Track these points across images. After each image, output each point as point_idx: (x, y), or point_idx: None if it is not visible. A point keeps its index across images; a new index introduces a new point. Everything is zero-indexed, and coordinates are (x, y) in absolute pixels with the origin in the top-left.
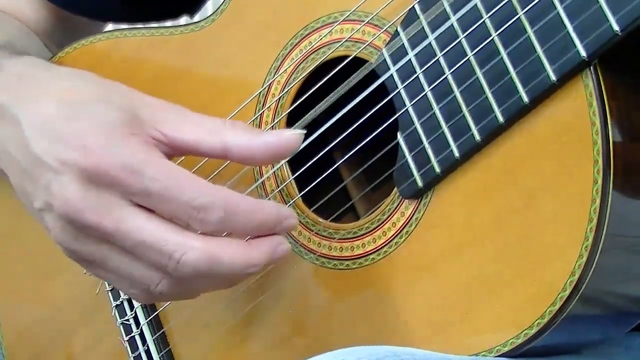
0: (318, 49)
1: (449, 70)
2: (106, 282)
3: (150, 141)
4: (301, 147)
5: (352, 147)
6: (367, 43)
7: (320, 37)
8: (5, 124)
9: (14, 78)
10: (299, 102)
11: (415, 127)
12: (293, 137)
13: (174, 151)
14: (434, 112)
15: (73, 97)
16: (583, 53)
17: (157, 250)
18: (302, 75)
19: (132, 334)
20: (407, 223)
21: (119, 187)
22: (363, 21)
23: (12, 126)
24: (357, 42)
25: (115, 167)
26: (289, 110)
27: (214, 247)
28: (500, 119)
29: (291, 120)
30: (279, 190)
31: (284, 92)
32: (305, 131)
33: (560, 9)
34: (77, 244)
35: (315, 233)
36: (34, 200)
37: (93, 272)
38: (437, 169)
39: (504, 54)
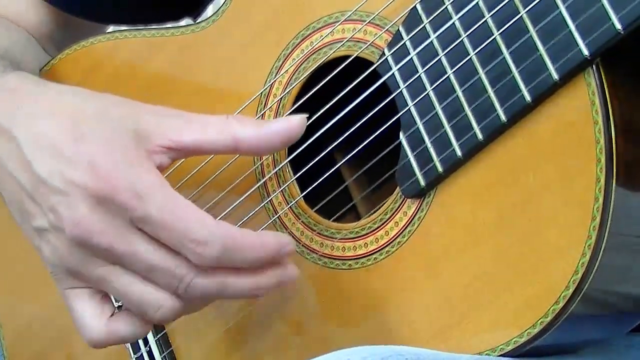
0: (319, 49)
1: (451, 70)
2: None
3: (159, 150)
4: (302, 148)
5: (353, 147)
6: (368, 43)
7: (322, 37)
8: (1, 141)
9: (8, 94)
10: (300, 102)
11: (418, 127)
12: (298, 122)
13: (183, 154)
14: (436, 112)
15: (72, 115)
16: (585, 52)
17: (168, 273)
18: (304, 76)
19: None
20: (410, 222)
21: (124, 210)
22: (364, 21)
23: (9, 143)
24: (358, 42)
25: (121, 191)
26: (290, 111)
27: (223, 271)
28: (503, 118)
29: None
30: (281, 190)
31: (286, 92)
32: (307, 114)
33: (562, 7)
34: (82, 266)
35: (318, 233)
36: (33, 219)
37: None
38: (440, 169)
39: (506, 53)
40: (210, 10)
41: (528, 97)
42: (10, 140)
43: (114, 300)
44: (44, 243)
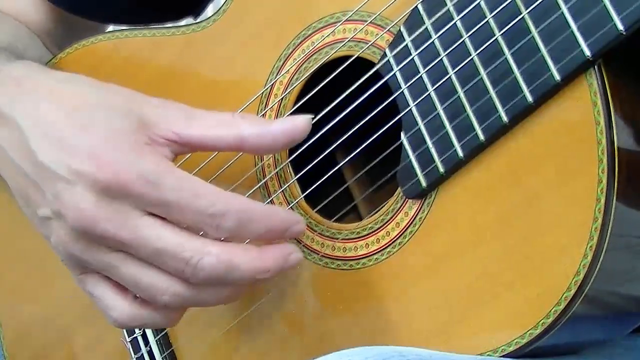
0: (321, 49)
1: (453, 70)
2: None
3: (162, 141)
4: (304, 147)
5: (355, 147)
6: (370, 43)
7: (323, 37)
8: (4, 129)
9: (12, 82)
10: (301, 102)
11: (419, 127)
12: (303, 122)
13: (187, 148)
14: (437, 112)
15: (76, 103)
16: (587, 52)
17: (175, 257)
18: (305, 76)
19: (135, 335)
20: (411, 223)
21: (135, 197)
22: (366, 21)
23: (12, 131)
24: (360, 42)
25: (131, 179)
26: (291, 111)
27: (229, 252)
28: (505, 118)
29: None
30: (282, 190)
31: (287, 92)
32: (312, 115)
33: (564, 8)
34: (87, 254)
35: (319, 233)
36: (38, 207)
37: (81, 284)
38: (441, 169)
39: (507, 53)
40: (210, 9)
41: (530, 98)
42: (14, 128)
43: None
44: (50, 231)
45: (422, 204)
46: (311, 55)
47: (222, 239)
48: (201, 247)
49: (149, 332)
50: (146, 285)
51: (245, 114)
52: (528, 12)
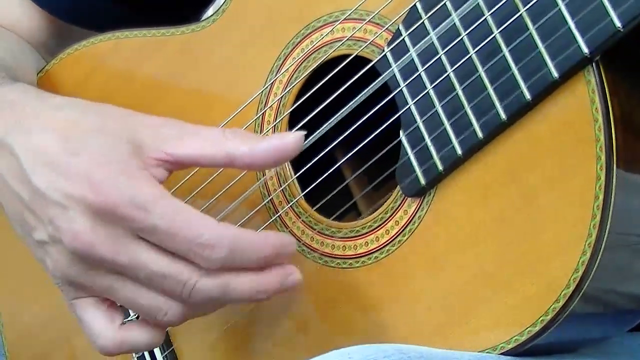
0: (320, 48)
1: (451, 68)
2: None
3: (155, 163)
4: (305, 147)
5: (354, 145)
6: (368, 42)
7: (322, 36)
8: (1, 155)
9: (6, 106)
10: (300, 101)
11: (418, 125)
12: (294, 139)
13: (178, 167)
14: (436, 110)
15: (70, 128)
16: (585, 50)
17: (172, 279)
18: (304, 75)
19: None
20: (410, 221)
21: (127, 222)
22: (364, 20)
23: (9, 157)
24: (358, 40)
25: (123, 204)
26: (290, 110)
27: (226, 274)
28: (503, 116)
29: (293, 119)
30: (282, 189)
31: (286, 91)
32: (305, 132)
33: (561, 5)
34: (84, 277)
35: (318, 232)
36: (33, 232)
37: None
38: (440, 167)
39: (505, 51)
40: (211, 9)
41: (528, 95)
42: (10, 154)
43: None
44: (46, 255)
45: (421, 202)
46: (310, 54)
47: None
48: (198, 269)
49: None
50: (146, 305)
51: (237, 130)
52: (526, 10)
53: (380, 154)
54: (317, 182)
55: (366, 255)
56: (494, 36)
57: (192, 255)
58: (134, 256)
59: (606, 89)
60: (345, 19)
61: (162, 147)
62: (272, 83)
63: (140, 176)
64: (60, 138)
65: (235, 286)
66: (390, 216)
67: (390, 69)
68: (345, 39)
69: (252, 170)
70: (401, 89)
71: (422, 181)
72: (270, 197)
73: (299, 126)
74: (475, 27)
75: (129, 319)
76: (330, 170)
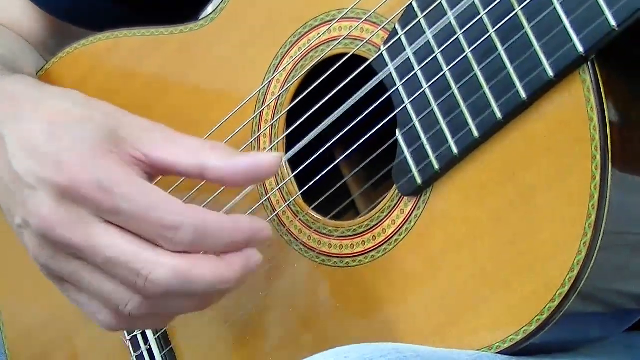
0: (317, 47)
1: (447, 67)
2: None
3: (130, 160)
4: (302, 146)
5: (351, 144)
6: (365, 40)
7: (319, 35)
8: None
9: (6, 97)
10: (298, 100)
11: (414, 124)
12: (271, 161)
13: (153, 171)
14: (432, 109)
15: (58, 117)
16: (580, 49)
17: (126, 267)
18: (301, 73)
19: (134, 333)
20: (407, 220)
21: (90, 203)
22: (361, 19)
23: (1, 145)
24: (355, 39)
25: (86, 184)
26: (288, 108)
27: (184, 263)
28: (498, 114)
29: (290, 118)
30: (279, 188)
31: (283, 90)
32: (283, 154)
33: (557, 4)
34: (51, 261)
35: (315, 231)
36: (14, 216)
37: (66, 293)
38: (436, 166)
39: (501, 50)
40: (210, 8)
41: (523, 94)
42: (2, 143)
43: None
44: (24, 240)
45: (418, 201)
46: (307, 53)
47: (181, 252)
48: (154, 258)
49: (148, 331)
50: (107, 294)
51: (217, 144)
52: (521, 9)
53: (378, 152)
54: (315, 180)
55: (363, 254)
56: (490, 35)
57: (156, 237)
58: (89, 239)
59: (601, 88)
60: (341, 17)
61: (139, 145)
62: (269, 82)
63: (110, 158)
64: (44, 124)
65: (195, 276)
66: (386, 215)
67: (387, 68)
68: (342, 37)
69: (223, 185)
70: (397, 88)
71: (419, 180)
72: (268, 195)
73: (296, 125)
74: (471, 26)
75: None
76: (328, 169)
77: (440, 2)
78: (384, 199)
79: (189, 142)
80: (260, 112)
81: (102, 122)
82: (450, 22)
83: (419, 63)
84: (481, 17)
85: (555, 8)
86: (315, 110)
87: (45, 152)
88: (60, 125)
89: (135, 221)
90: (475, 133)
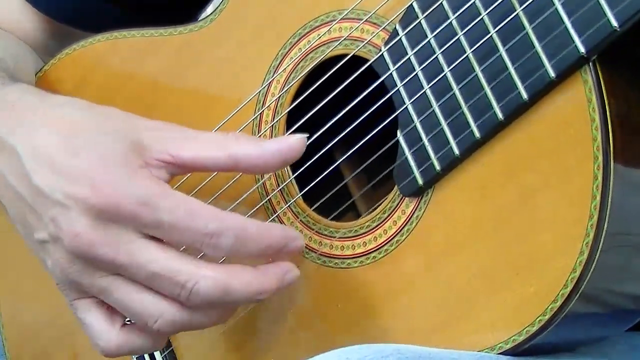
0: (317, 48)
1: (448, 68)
2: None
3: (157, 164)
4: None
5: (352, 145)
6: (365, 41)
7: (319, 36)
8: (3, 154)
9: (8, 106)
10: (298, 101)
11: (415, 125)
12: (298, 142)
13: (181, 170)
14: (433, 110)
15: (70, 128)
16: (582, 49)
17: (171, 280)
18: (301, 74)
19: None
20: (408, 221)
21: (130, 220)
22: (361, 19)
23: (10, 157)
24: (355, 40)
25: (127, 203)
26: (288, 109)
27: (225, 275)
28: (500, 115)
29: (290, 119)
30: (280, 189)
31: (284, 91)
32: (307, 134)
33: (558, 4)
34: (83, 277)
35: (316, 232)
36: (35, 231)
37: (75, 311)
38: (437, 167)
39: (502, 50)
40: (210, 8)
41: (525, 95)
42: (12, 154)
43: None
44: (46, 255)
45: (419, 202)
46: (308, 54)
47: (221, 259)
48: (197, 271)
49: None
50: (139, 310)
51: (240, 134)
52: (522, 9)
53: (378, 153)
54: (315, 181)
55: (364, 255)
56: (491, 36)
57: (198, 245)
58: (133, 256)
59: (603, 89)
60: (342, 18)
61: (165, 148)
62: (269, 83)
63: (141, 174)
64: (60, 137)
65: (235, 286)
66: (388, 216)
67: (388, 69)
68: (343, 38)
69: (255, 173)
70: (398, 89)
71: (420, 181)
72: (269, 197)
73: (296, 126)
74: (472, 26)
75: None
76: (329, 170)
77: (441, 2)
78: (385, 200)
79: (210, 137)
80: (261, 113)
81: (120, 132)
82: (451, 22)
83: (420, 64)
84: (482, 18)
85: (556, 9)
86: (315, 112)
87: (70, 168)
88: (77, 138)
89: (177, 231)
90: (477, 134)
